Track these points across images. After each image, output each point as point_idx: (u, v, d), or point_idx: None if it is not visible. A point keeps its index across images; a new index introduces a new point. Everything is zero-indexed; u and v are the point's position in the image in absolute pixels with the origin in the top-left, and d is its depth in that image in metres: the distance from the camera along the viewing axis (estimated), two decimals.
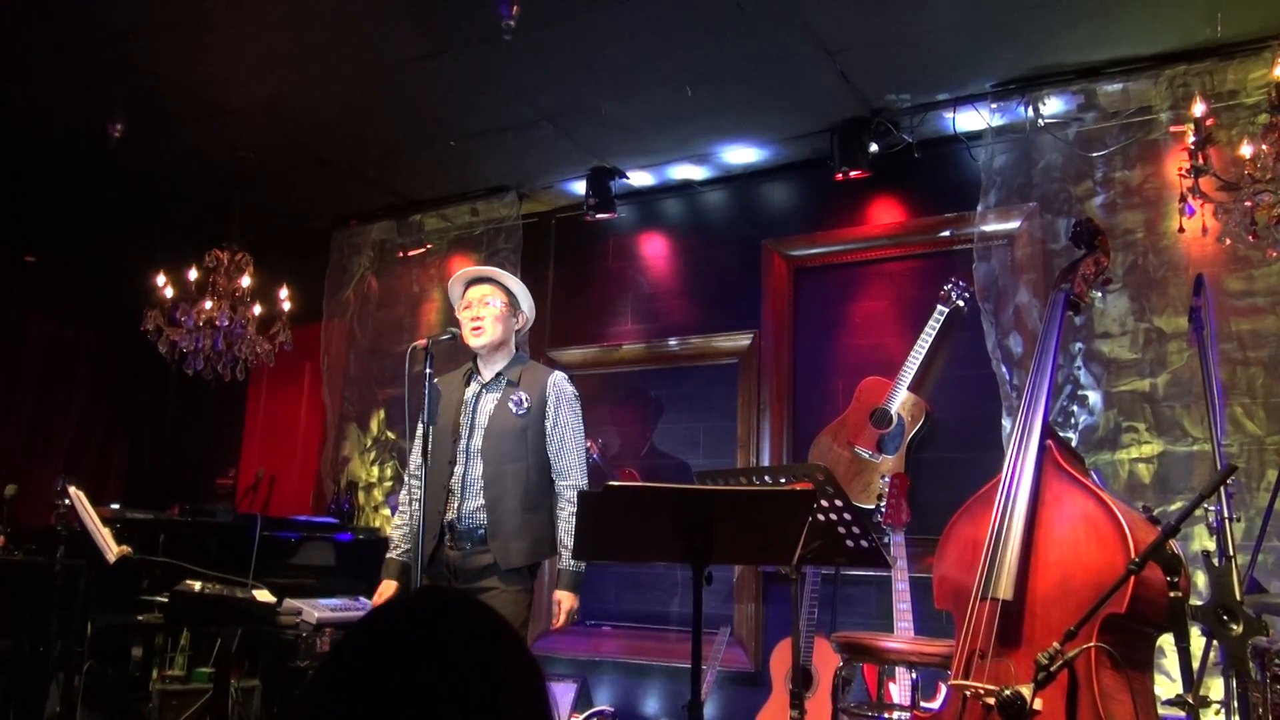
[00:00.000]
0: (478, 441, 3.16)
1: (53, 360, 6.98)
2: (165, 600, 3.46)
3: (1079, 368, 4.11)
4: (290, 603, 3.60)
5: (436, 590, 1.88)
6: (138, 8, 3.94)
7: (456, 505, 3.11)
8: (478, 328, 3.22)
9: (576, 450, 3.23)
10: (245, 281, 5.22)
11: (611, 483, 2.33)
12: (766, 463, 4.79)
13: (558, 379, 3.29)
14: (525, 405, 3.18)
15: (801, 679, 3.70)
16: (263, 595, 3.49)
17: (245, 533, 4.31)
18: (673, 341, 5.25)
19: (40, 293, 6.90)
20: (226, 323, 5.08)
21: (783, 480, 2.78)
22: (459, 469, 3.14)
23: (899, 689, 3.69)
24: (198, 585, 3.40)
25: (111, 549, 3.66)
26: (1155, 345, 4.00)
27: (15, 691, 3.98)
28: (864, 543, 2.79)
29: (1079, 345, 4.13)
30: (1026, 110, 4.32)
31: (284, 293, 5.36)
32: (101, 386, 7.22)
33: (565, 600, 3.13)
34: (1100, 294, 4.00)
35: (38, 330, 6.91)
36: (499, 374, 3.26)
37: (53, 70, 4.46)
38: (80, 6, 3.95)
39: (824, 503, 2.74)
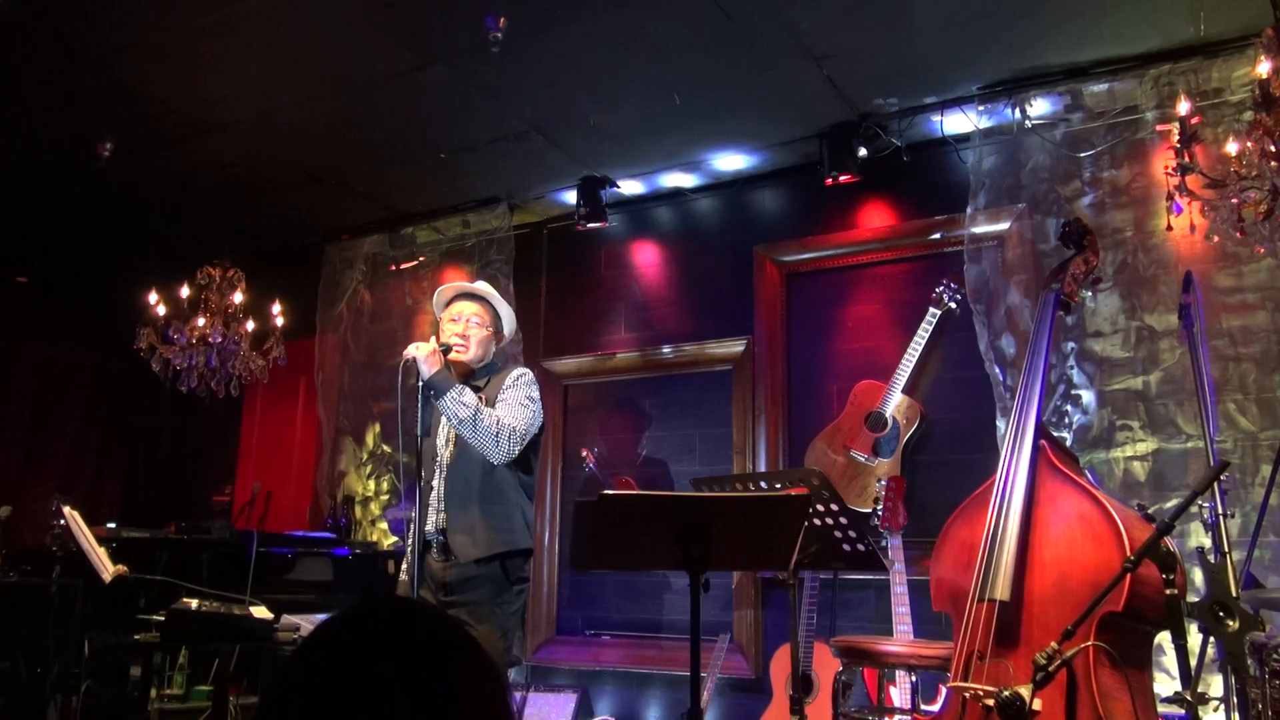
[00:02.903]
0: (451, 452, 3.16)
1: (46, 380, 6.97)
2: (162, 619, 3.45)
3: (1072, 367, 4.13)
4: (288, 619, 3.58)
5: (392, 599, 1.87)
6: (126, 28, 3.95)
7: (435, 518, 3.10)
8: (462, 346, 3.22)
9: (516, 404, 3.13)
10: (238, 298, 5.22)
11: (607, 491, 2.33)
12: (763, 468, 4.79)
13: (518, 369, 3.28)
14: (486, 399, 3.17)
15: (802, 684, 3.70)
16: (260, 612, 3.47)
17: (242, 549, 4.30)
18: (666, 349, 5.26)
19: (33, 313, 6.89)
20: (220, 339, 5.07)
21: (778, 486, 2.78)
22: (437, 482, 3.15)
23: (899, 692, 3.68)
24: (194, 603, 3.39)
25: (107, 568, 3.64)
26: (1147, 343, 4.01)
27: (13, 713, 3.96)
28: (860, 546, 2.79)
29: (1071, 345, 4.15)
30: (1013, 112, 4.34)
31: (276, 308, 5.35)
32: (96, 406, 7.21)
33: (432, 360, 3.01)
34: (1090, 293, 4.02)
35: (31, 351, 6.90)
36: (467, 382, 3.26)
37: (42, 91, 4.45)
38: (68, 28, 3.95)
39: (820, 507, 2.74)
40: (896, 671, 3.66)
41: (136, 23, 3.91)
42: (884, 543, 3.84)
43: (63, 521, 3.88)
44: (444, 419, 3.22)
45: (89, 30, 3.97)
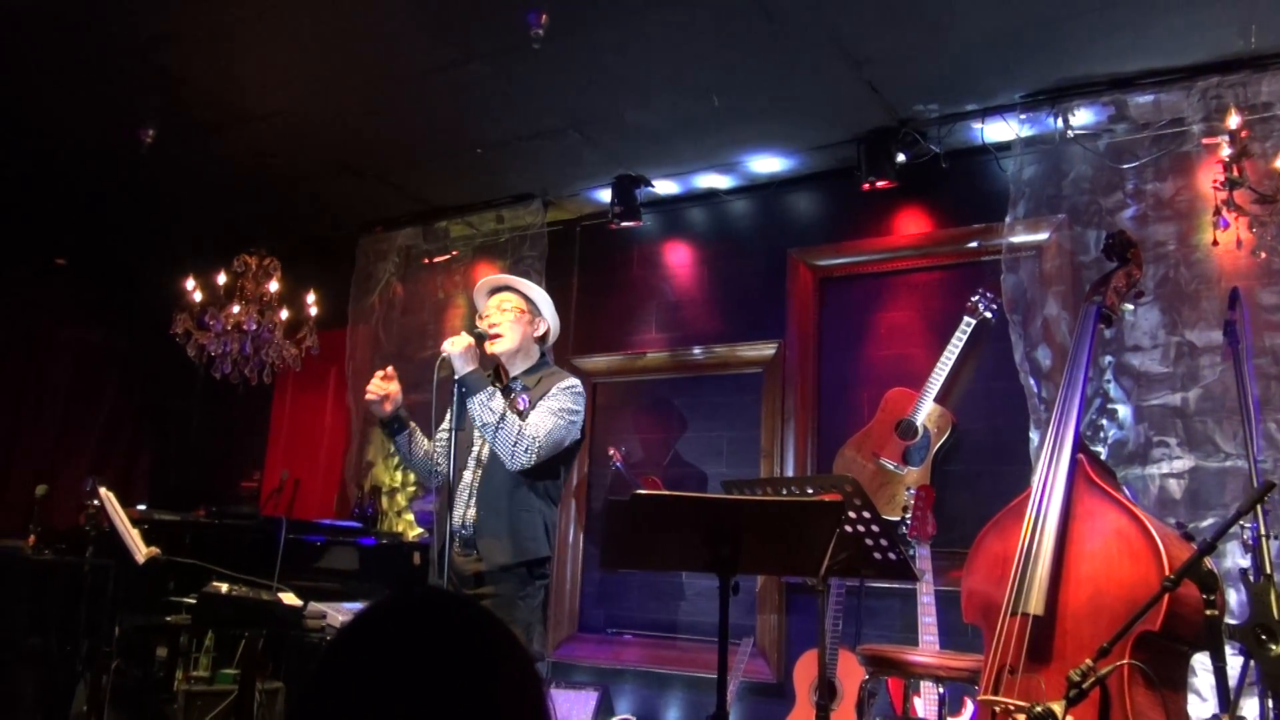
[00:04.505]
0: (488, 449, 3.16)
1: (82, 362, 7.06)
2: (193, 601, 3.48)
3: (1109, 381, 4.08)
4: (315, 606, 3.61)
5: (429, 591, 1.87)
6: (168, 17, 3.99)
7: (462, 512, 3.11)
8: (495, 335, 3.23)
9: (548, 412, 3.11)
10: (273, 286, 5.27)
11: (639, 491, 2.33)
12: (791, 473, 4.78)
13: (569, 379, 3.26)
14: (527, 404, 3.17)
15: (827, 691, 3.68)
16: (288, 598, 3.50)
17: (270, 535, 4.34)
18: (697, 350, 5.25)
19: (71, 296, 6.98)
20: (254, 327, 5.13)
21: (810, 491, 2.77)
22: (468, 474, 3.16)
23: (924, 703, 3.66)
24: (225, 587, 3.42)
25: (140, 550, 3.68)
26: (1187, 359, 3.95)
27: (44, 690, 4.02)
28: (892, 555, 2.77)
29: (1109, 358, 4.10)
30: (1056, 121, 4.29)
31: (310, 298, 5.40)
32: (130, 388, 7.30)
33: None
34: (1132, 307, 3.97)
35: (68, 333, 6.99)
36: (514, 378, 3.27)
37: (85, 78, 4.51)
38: (111, 16, 3.99)
39: (852, 514, 2.72)
40: (922, 682, 3.63)
41: (178, 11, 3.94)
42: (912, 552, 3.81)
43: (96, 502, 3.93)
44: None
45: (131, 18, 4.00)
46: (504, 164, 5.25)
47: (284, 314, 5.31)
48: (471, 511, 3.12)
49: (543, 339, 3.39)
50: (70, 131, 5.09)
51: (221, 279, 5.18)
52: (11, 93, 4.65)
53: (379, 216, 6.17)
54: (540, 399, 3.16)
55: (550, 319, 3.39)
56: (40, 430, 6.77)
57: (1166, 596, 2.09)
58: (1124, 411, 4.04)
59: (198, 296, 5.18)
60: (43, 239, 6.61)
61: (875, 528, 2.74)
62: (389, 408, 3.16)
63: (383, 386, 3.14)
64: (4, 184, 5.72)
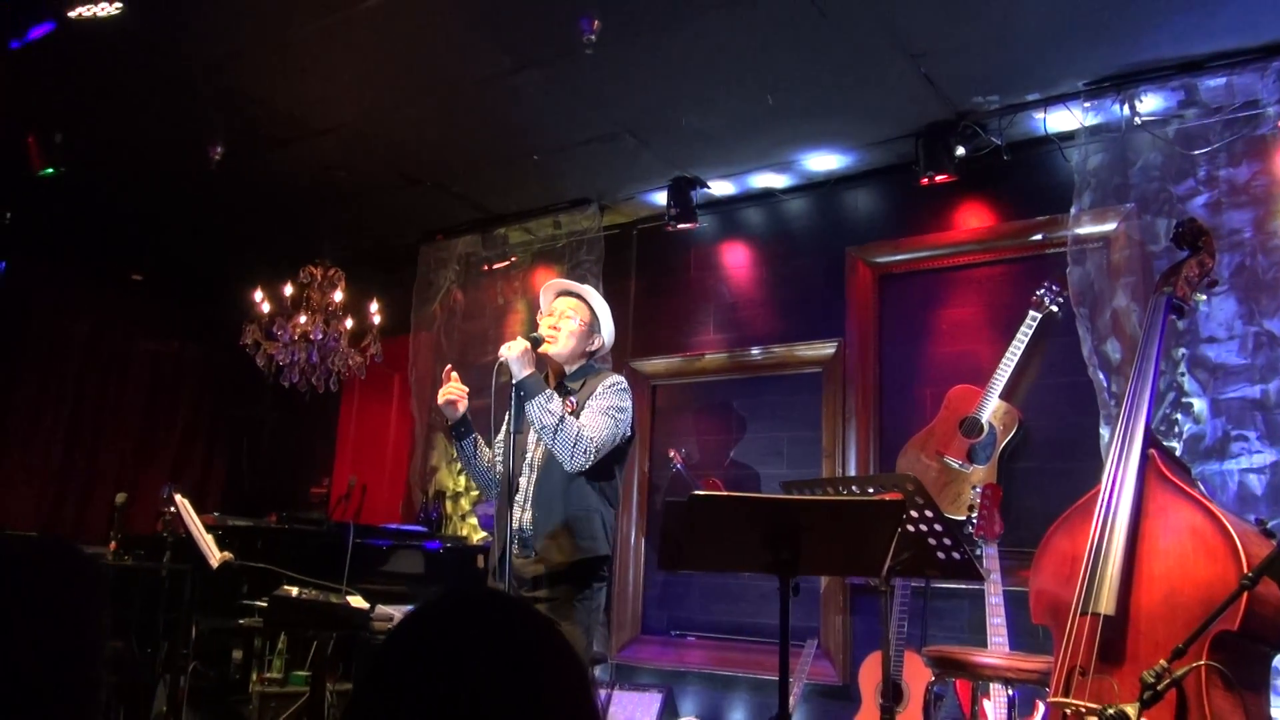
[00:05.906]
0: (541, 453, 3.18)
1: (158, 374, 7.31)
2: (265, 605, 3.57)
3: (1183, 374, 3.95)
4: (382, 609, 3.67)
5: (482, 591, 1.89)
6: (234, 36, 4.10)
7: (521, 515, 3.13)
8: (552, 337, 3.25)
9: (599, 413, 3.10)
10: (337, 296, 5.39)
11: (698, 492, 2.32)
12: (853, 473, 4.72)
13: (614, 377, 3.26)
14: (575, 405, 3.18)
15: (892, 693, 3.63)
16: (357, 601, 3.57)
17: (339, 540, 4.43)
18: (755, 351, 5.22)
19: (147, 310, 7.23)
20: (320, 336, 5.24)
21: (871, 490, 2.73)
22: (523, 480, 3.18)
23: (994, 706, 3.58)
24: (295, 591, 3.50)
25: (214, 555, 3.79)
26: (1266, 349, 3.81)
27: (124, 691, 4.16)
28: (956, 555, 2.72)
29: (1183, 351, 3.97)
30: (1122, 108, 4.17)
31: (374, 306, 5.50)
32: (203, 398, 7.53)
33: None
34: (1205, 297, 3.84)
35: (145, 345, 7.25)
36: (562, 382, 3.29)
37: (157, 98, 4.66)
38: (181, 37, 4.12)
39: (914, 513, 2.68)
40: (991, 685, 3.55)
41: (244, 32, 4.06)
42: (979, 551, 3.74)
43: (173, 509, 4.05)
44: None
45: (201, 38, 4.13)
46: (560, 169, 5.29)
47: (348, 323, 5.43)
48: (528, 515, 3.14)
49: (593, 354, 3.40)
50: (144, 151, 5.26)
51: (288, 290, 5.31)
52: (89, 115, 4.83)
53: (439, 225, 6.27)
54: (588, 399, 3.17)
55: (607, 337, 3.39)
56: (121, 440, 7.02)
57: (1245, 595, 2.02)
58: (1199, 405, 3.91)
59: (266, 308, 5.31)
60: (121, 255, 6.85)
61: (938, 527, 2.69)
62: (462, 408, 3.20)
63: (459, 388, 3.19)
64: (84, 204, 5.95)
